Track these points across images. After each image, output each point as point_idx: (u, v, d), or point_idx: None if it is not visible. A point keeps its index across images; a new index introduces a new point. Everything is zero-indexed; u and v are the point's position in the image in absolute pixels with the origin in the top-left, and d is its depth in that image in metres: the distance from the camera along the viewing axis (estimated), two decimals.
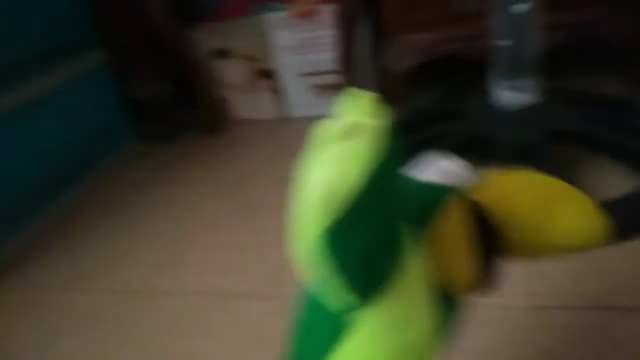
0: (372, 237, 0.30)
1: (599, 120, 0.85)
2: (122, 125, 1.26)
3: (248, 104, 1.32)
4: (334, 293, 0.31)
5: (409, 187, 0.38)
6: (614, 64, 1.00)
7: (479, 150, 0.86)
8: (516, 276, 0.64)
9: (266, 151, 1.16)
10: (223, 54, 1.28)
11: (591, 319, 0.58)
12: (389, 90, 1.10)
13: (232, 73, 1.30)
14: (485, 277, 0.37)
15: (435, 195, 0.37)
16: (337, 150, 0.29)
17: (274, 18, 1.19)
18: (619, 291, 0.60)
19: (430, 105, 1.12)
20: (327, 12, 1.14)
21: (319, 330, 0.36)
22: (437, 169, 0.40)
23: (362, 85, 1.10)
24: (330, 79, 1.22)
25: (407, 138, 0.93)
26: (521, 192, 0.39)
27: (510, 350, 0.56)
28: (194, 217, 0.95)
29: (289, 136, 1.22)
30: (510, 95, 0.80)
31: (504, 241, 0.38)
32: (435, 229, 0.36)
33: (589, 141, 0.83)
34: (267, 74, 1.28)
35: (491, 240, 0.38)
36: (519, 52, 0.77)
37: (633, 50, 0.94)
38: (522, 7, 0.73)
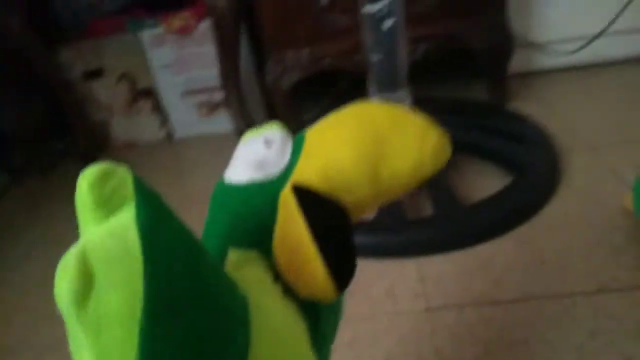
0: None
1: (470, 125, 0.92)
2: None
3: (128, 126, 1.25)
4: None
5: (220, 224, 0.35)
6: (478, 72, 1.09)
7: None
8: (404, 281, 0.67)
9: (150, 175, 1.11)
10: (97, 74, 1.20)
11: (478, 315, 0.61)
12: (274, 105, 1.10)
13: (108, 94, 1.22)
14: (342, 271, 0.33)
15: (261, 208, 0.34)
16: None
17: (149, 35, 1.14)
18: (501, 285, 0.64)
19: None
20: (204, 28, 1.11)
21: None
22: (253, 154, 0.36)
23: (245, 102, 1.09)
24: (214, 96, 1.19)
25: None
26: (343, 146, 0.35)
27: (412, 356, 0.58)
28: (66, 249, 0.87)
29: (173, 157, 1.18)
30: None
31: (345, 212, 0.34)
32: (274, 239, 0.33)
33: (463, 145, 0.89)
34: (146, 94, 1.22)
35: (333, 220, 0.34)
36: (390, 64, 0.80)
37: (494, 58, 1.03)
38: (388, 23, 0.76)
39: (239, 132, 1.13)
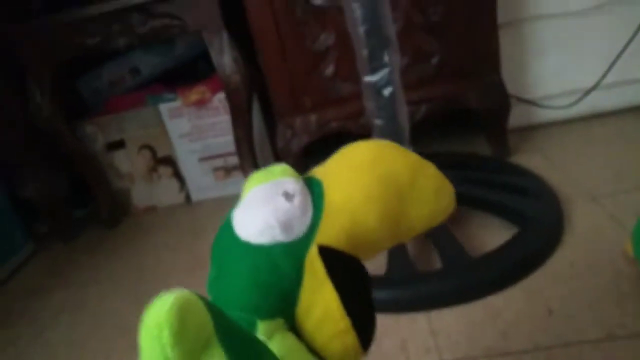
0: None
1: (473, 179, 0.96)
2: (15, 228, 1.19)
3: (149, 192, 1.31)
4: None
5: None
6: (479, 127, 1.14)
7: None
8: (416, 335, 0.69)
9: (170, 238, 1.15)
10: (119, 145, 1.27)
11: None
12: None
13: (130, 163, 1.29)
14: (367, 335, 0.34)
15: (288, 274, 0.33)
16: None
17: (167, 107, 1.22)
18: (511, 335, 0.66)
19: None
20: (219, 100, 1.19)
21: None
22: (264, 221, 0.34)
23: (258, 166, 1.15)
24: (229, 161, 1.25)
25: None
26: (368, 205, 0.35)
27: None
28: (96, 321, 0.91)
29: (191, 220, 1.22)
30: None
31: (367, 271, 0.35)
32: (300, 306, 0.33)
33: (468, 199, 0.92)
34: (166, 161, 1.29)
35: (359, 283, 0.34)
36: (393, 128, 0.85)
37: (492, 116, 1.08)
38: (387, 91, 0.82)
39: None
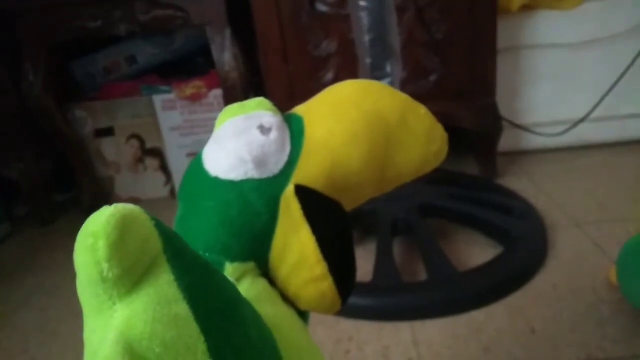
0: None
1: (462, 196, 0.97)
2: None
3: (133, 183, 1.29)
4: None
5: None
6: (469, 147, 1.16)
7: (364, 225, 0.93)
8: (399, 344, 0.69)
9: None
10: (107, 132, 1.25)
11: None
12: None
13: (117, 152, 1.27)
14: (346, 284, 0.31)
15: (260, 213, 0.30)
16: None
17: (161, 99, 1.21)
18: (492, 352, 0.66)
19: None
20: (215, 96, 1.18)
21: None
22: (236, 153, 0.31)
23: None
24: None
25: None
26: (352, 147, 0.32)
27: None
28: (69, 306, 0.88)
29: (174, 215, 1.20)
30: None
31: (347, 217, 0.32)
32: (274, 249, 0.30)
33: (455, 215, 0.93)
34: (153, 153, 1.27)
35: (338, 228, 0.31)
36: None
37: (484, 138, 1.10)
38: None
39: None
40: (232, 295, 0.24)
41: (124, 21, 1.07)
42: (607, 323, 0.68)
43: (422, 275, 0.81)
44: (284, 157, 0.31)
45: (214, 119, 1.22)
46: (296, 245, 0.29)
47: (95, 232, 0.21)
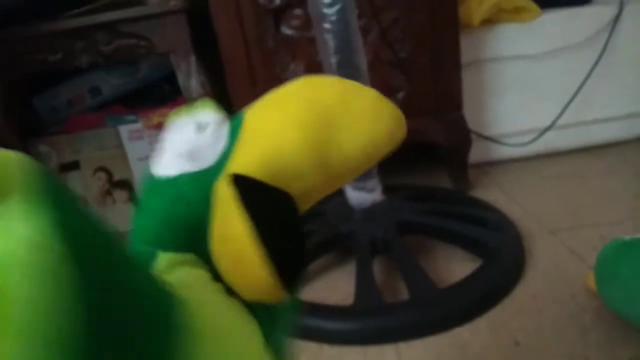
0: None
1: (436, 211, 0.97)
2: None
3: (103, 217, 1.25)
4: None
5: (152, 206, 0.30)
6: (441, 161, 1.16)
7: (342, 245, 0.92)
8: None
9: None
10: (73, 167, 1.22)
11: None
12: None
13: (83, 186, 1.23)
14: (291, 269, 0.29)
15: (197, 199, 0.29)
16: None
17: (127, 129, 1.18)
18: None
19: None
20: None
21: None
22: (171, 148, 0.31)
23: None
24: None
25: None
26: (287, 129, 0.31)
27: None
28: None
29: None
30: (359, 195, 0.88)
31: (291, 200, 0.30)
32: (212, 239, 0.29)
33: (432, 230, 0.93)
34: (121, 185, 1.24)
35: (277, 212, 0.30)
36: None
37: (454, 151, 1.11)
38: None
39: None
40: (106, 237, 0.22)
41: (85, 52, 1.05)
42: (589, 330, 0.68)
43: (403, 293, 0.80)
44: (219, 149, 0.31)
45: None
46: (232, 233, 0.28)
47: None
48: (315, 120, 0.31)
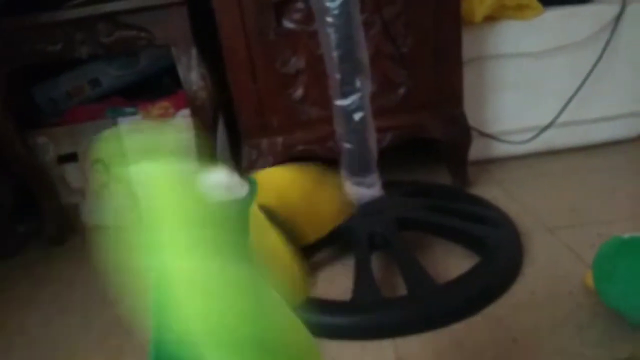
0: None
1: (435, 207, 0.97)
2: None
3: (101, 210, 1.25)
4: None
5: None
6: (441, 158, 1.16)
7: (340, 240, 0.92)
8: None
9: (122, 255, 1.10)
10: (71, 158, 1.21)
11: None
12: None
13: (82, 178, 1.23)
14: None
15: (239, 208, 0.39)
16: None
17: (127, 122, 1.18)
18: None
19: None
20: (183, 116, 1.16)
21: None
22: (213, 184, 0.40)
23: None
24: None
25: None
26: (291, 188, 0.45)
27: None
28: (31, 343, 0.84)
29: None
30: (359, 190, 0.88)
31: (296, 237, 0.43)
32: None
33: (431, 226, 0.93)
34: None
35: (291, 239, 0.42)
36: (361, 152, 0.86)
37: (454, 148, 1.11)
38: (358, 115, 0.83)
39: None
40: None
41: (85, 43, 1.04)
42: (585, 328, 0.68)
43: (401, 288, 0.80)
44: (246, 188, 0.40)
45: (183, 139, 1.19)
46: (267, 243, 0.39)
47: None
48: (306, 188, 0.46)
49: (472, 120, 1.11)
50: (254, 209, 0.39)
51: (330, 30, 0.80)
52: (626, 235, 0.67)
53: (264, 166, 1.08)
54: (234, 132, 1.17)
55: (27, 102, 1.24)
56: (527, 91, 1.19)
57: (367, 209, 0.89)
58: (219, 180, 0.40)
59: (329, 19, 0.78)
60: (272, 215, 0.40)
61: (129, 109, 1.18)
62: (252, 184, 0.42)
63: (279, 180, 0.46)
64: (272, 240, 0.39)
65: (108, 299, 0.94)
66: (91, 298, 0.95)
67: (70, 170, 1.22)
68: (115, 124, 1.18)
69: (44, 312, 0.93)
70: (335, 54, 0.81)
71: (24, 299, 0.98)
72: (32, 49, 1.04)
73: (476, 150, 1.16)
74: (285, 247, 0.39)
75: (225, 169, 0.40)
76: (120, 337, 0.82)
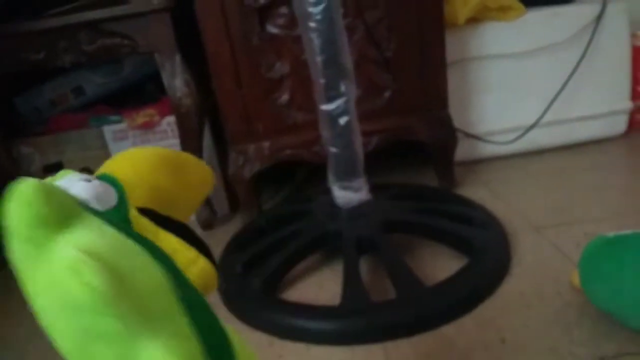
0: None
1: (422, 209, 0.97)
2: None
3: None
4: None
5: None
6: (427, 159, 1.17)
7: (328, 244, 0.92)
8: None
9: None
10: (56, 168, 1.20)
11: None
12: (235, 196, 1.13)
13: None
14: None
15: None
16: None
17: (112, 130, 1.17)
18: None
19: (280, 208, 1.18)
20: (168, 123, 1.15)
21: None
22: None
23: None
24: None
25: (263, 240, 0.96)
26: (154, 173, 0.43)
27: None
28: (18, 358, 0.83)
29: None
30: (346, 194, 0.88)
31: (181, 222, 0.42)
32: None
33: (418, 229, 0.94)
34: None
35: (178, 225, 0.40)
36: (347, 156, 0.86)
37: (440, 149, 1.11)
38: (343, 119, 0.83)
39: (201, 222, 1.14)
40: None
41: (68, 52, 1.03)
42: (574, 327, 0.69)
43: (390, 292, 0.80)
44: (114, 194, 0.38)
45: (169, 146, 1.19)
46: (165, 245, 0.37)
47: (27, 190, 0.28)
48: (168, 165, 0.44)
49: (457, 122, 1.11)
50: (134, 214, 0.37)
51: (314, 36, 0.80)
52: (611, 234, 0.68)
53: (250, 172, 1.07)
54: (220, 138, 1.16)
55: (10, 111, 1.22)
56: (511, 92, 1.20)
57: (354, 213, 0.90)
58: (82, 190, 0.36)
59: (312, 24, 0.78)
60: (154, 215, 0.39)
61: (113, 117, 1.17)
62: (115, 184, 0.39)
63: (138, 168, 0.42)
64: (167, 242, 0.37)
65: None
66: None
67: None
68: (100, 131, 1.17)
69: (30, 326, 0.91)
70: (319, 59, 0.81)
71: (9, 313, 0.97)
72: (15, 58, 1.02)
73: (462, 152, 1.16)
74: (183, 245, 0.38)
75: (73, 174, 0.38)
76: None
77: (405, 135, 1.10)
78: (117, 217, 0.36)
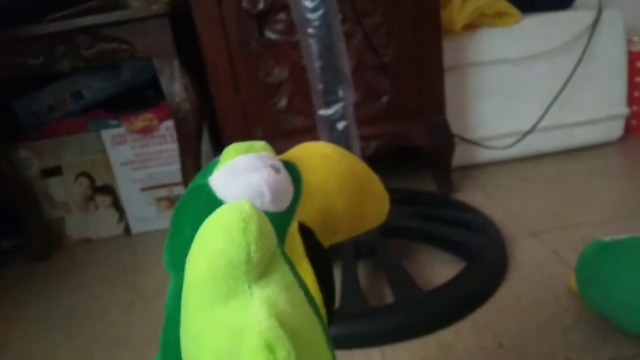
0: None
1: (420, 214, 0.97)
2: None
3: (85, 223, 1.24)
4: None
5: None
6: (424, 165, 1.17)
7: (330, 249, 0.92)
8: None
9: (106, 273, 1.09)
10: (55, 172, 1.20)
11: None
12: None
13: (66, 192, 1.22)
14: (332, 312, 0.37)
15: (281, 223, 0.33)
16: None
17: (110, 134, 1.17)
18: None
19: None
20: (166, 128, 1.16)
21: None
22: (246, 182, 0.33)
23: None
24: (174, 191, 1.21)
25: None
26: (338, 194, 0.38)
27: None
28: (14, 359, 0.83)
29: (131, 253, 1.16)
30: None
31: (327, 253, 0.38)
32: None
33: (416, 234, 0.94)
34: (104, 190, 1.22)
35: (322, 260, 0.36)
36: None
37: (437, 155, 1.12)
38: (341, 125, 0.83)
39: None
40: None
41: (67, 56, 1.04)
42: (571, 331, 0.69)
43: (388, 296, 0.80)
44: (290, 196, 0.34)
45: (167, 150, 1.19)
46: (302, 272, 0.32)
47: (246, 217, 0.24)
48: (355, 191, 0.39)
49: (454, 127, 1.12)
50: (293, 229, 0.33)
51: (312, 41, 0.80)
52: (607, 239, 0.68)
53: None
54: (218, 142, 1.17)
55: (9, 115, 1.22)
56: (508, 97, 1.21)
57: None
58: (265, 182, 0.32)
59: (310, 30, 0.78)
60: (309, 238, 0.34)
61: (111, 121, 1.18)
62: (297, 183, 0.34)
63: (330, 179, 0.37)
64: (304, 275, 0.33)
65: (92, 314, 0.93)
66: (75, 313, 0.94)
67: (54, 184, 1.21)
68: (98, 136, 1.17)
69: (28, 327, 0.91)
70: (317, 64, 0.81)
71: (7, 315, 0.97)
72: (13, 63, 1.03)
73: (459, 157, 1.17)
74: (316, 287, 0.32)
75: (255, 153, 0.34)
76: (105, 353, 0.81)
77: (403, 140, 1.10)
78: (279, 225, 0.32)
